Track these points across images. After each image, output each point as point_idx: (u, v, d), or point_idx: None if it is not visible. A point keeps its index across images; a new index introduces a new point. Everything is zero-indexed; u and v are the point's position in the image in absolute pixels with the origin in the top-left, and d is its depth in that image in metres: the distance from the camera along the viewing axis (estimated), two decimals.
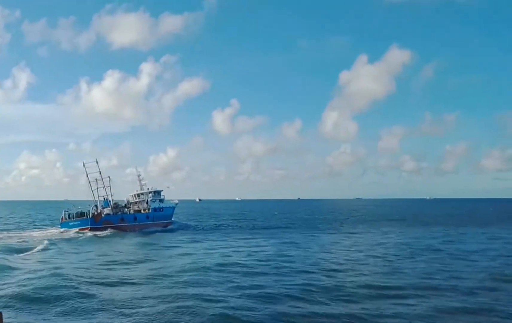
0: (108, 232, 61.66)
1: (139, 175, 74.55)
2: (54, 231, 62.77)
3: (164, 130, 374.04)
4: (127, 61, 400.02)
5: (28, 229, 70.16)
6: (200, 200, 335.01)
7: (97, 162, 68.85)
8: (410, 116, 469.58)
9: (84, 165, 67.86)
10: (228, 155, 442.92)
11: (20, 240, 51.82)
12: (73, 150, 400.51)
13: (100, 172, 68.28)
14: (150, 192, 73.00)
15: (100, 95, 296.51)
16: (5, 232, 61.94)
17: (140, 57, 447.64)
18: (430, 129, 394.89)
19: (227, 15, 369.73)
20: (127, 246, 46.65)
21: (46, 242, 46.97)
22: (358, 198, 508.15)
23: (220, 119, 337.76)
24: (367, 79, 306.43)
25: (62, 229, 63.29)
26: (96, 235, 58.41)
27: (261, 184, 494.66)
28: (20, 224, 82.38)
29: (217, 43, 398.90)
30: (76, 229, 62.42)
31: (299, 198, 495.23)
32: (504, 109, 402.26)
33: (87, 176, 67.61)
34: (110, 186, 68.93)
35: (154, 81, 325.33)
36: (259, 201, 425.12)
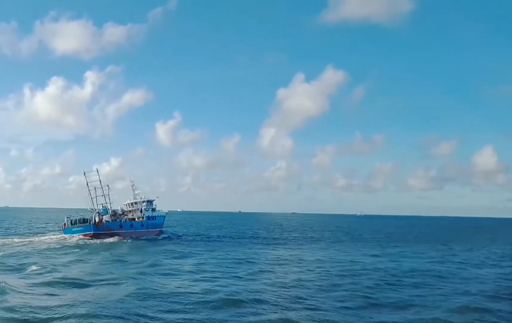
0: (116, 239, 64.96)
1: (132, 185, 78.41)
2: (58, 237, 64.79)
3: (107, 140, 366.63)
4: (70, 69, 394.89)
5: (29, 235, 70.70)
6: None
7: (97, 171, 71.86)
8: (342, 135, 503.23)
9: (84, 174, 70.65)
10: (170, 167, 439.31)
11: (40, 246, 54.32)
12: (15, 157, 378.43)
13: (100, 181, 71.38)
14: (143, 201, 77.09)
15: (44, 101, 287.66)
16: (9, 238, 63.10)
17: (83, 66, 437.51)
18: (361, 147, 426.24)
19: (169, 29, 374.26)
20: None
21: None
22: (294, 213, 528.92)
23: (162, 131, 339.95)
24: (303, 97, 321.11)
25: (65, 235, 65.48)
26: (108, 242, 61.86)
27: (201, 196, 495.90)
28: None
29: (160, 55, 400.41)
30: (80, 235, 65.09)
31: (240, 211, 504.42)
32: (427, 132, 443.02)
33: (87, 184, 70.40)
34: (109, 194, 72.24)
35: (98, 90, 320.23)
36: (201, 213, 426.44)
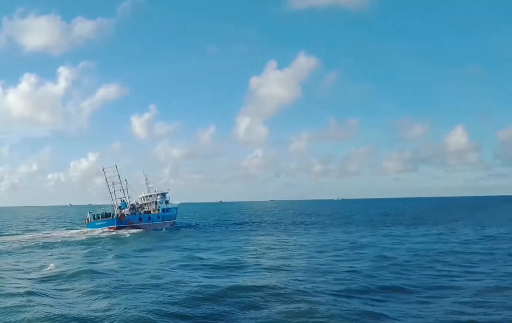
0: (140, 230, 67.64)
1: (146, 179, 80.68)
2: (83, 231, 66.74)
3: (84, 135, 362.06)
4: (41, 65, 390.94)
5: (50, 230, 72.33)
6: None
7: (116, 167, 73.91)
8: (318, 121, 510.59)
9: (103, 170, 72.69)
10: (148, 159, 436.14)
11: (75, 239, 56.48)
12: None
13: (119, 175, 73.51)
14: (158, 194, 79.56)
15: (17, 99, 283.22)
16: (34, 233, 64.67)
17: (54, 62, 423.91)
18: (335, 133, 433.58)
19: (139, 23, 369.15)
20: None
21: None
22: (272, 200, 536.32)
23: (138, 124, 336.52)
24: (276, 84, 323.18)
25: (88, 229, 67.47)
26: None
27: (181, 188, 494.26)
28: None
29: (133, 49, 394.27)
30: (103, 229, 67.27)
31: (220, 201, 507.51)
32: (399, 115, 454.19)
33: (106, 179, 72.45)
34: (127, 188, 74.55)
35: (72, 85, 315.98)
36: (181, 204, 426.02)
